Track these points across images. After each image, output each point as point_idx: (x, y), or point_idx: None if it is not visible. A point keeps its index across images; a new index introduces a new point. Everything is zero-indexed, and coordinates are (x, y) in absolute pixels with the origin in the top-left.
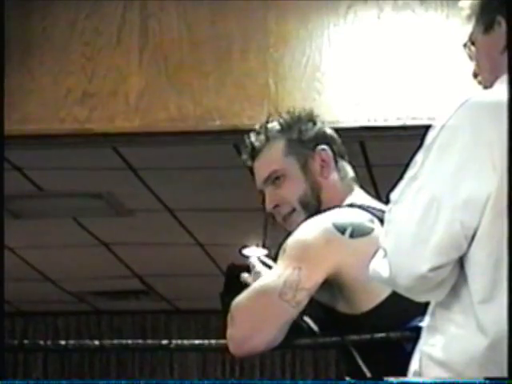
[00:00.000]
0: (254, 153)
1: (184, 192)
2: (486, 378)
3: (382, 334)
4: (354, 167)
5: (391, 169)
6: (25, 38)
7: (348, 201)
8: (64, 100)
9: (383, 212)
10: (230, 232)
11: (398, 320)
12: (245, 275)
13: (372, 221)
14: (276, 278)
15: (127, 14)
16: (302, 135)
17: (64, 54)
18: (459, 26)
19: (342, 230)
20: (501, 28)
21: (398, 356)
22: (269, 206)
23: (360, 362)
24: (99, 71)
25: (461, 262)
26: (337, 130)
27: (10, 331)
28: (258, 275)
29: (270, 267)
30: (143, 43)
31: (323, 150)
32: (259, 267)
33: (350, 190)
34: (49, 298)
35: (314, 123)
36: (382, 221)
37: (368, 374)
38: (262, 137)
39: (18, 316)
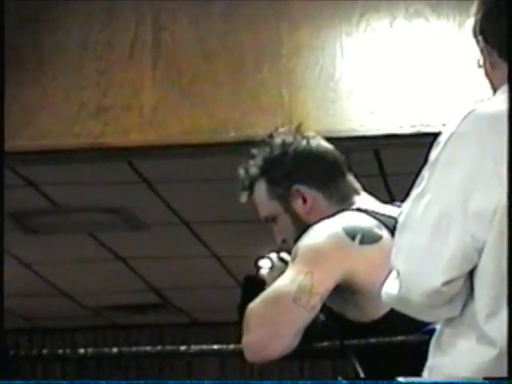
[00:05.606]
0: (247, 192)
1: (200, 204)
2: (485, 378)
3: (402, 337)
4: (358, 177)
5: (406, 177)
6: (37, 54)
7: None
8: (78, 115)
9: (389, 217)
10: (246, 243)
11: (407, 328)
12: (263, 271)
13: (379, 227)
14: (289, 282)
15: (140, 27)
16: (278, 173)
17: (77, 69)
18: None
19: (352, 235)
20: None
21: (411, 361)
22: (277, 243)
23: (360, 372)
24: (113, 85)
25: (470, 276)
26: (351, 138)
27: (28, 347)
28: (277, 271)
29: (288, 263)
30: (156, 56)
31: (297, 190)
32: (278, 264)
33: (348, 203)
34: (66, 314)
35: (285, 153)
36: (387, 226)
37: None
38: (247, 180)
39: (36, 332)
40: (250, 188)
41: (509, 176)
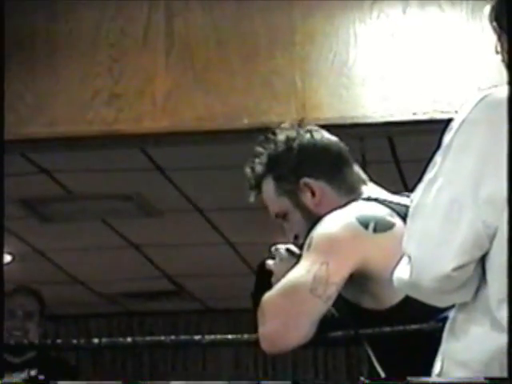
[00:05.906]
0: (255, 192)
1: (213, 191)
2: (486, 378)
3: (416, 326)
4: (361, 165)
5: (419, 164)
6: (50, 41)
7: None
8: (91, 102)
9: (401, 205)
10: (260, 231)
11: (422, 315)
12: (270, 262)
13: (392, 215)
14: (305, 273)
15: (152, 14)
16: (285, 169)
17: (90, 56)
18: (485, 20)
19: (365, 224)
20: None
21: (425, 349)
22: (289, 239)
23: (374, 361)
24: (126, 72)
25: (482, 262)
26: (364, 125)
27: (42, 335)
28: (285, 262)
29: (295, 255)
30: (169, 43)
31: (305, 183)
32: (286, 255)
33: (356, 194)
34: (80, 301)
35: (290, 148)
36: (399, 214)
37: (382, 374)
38: (254, 180)
39: (50, 319)
40: (258, 187)
41: (509, 175)
